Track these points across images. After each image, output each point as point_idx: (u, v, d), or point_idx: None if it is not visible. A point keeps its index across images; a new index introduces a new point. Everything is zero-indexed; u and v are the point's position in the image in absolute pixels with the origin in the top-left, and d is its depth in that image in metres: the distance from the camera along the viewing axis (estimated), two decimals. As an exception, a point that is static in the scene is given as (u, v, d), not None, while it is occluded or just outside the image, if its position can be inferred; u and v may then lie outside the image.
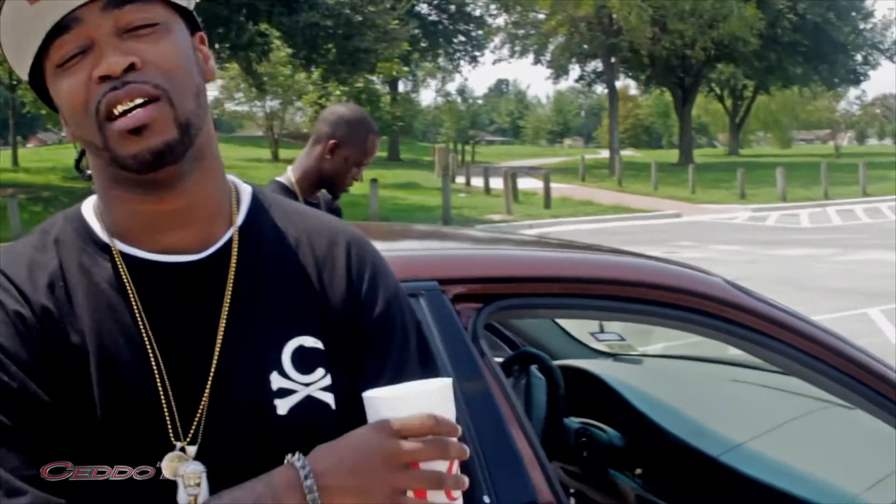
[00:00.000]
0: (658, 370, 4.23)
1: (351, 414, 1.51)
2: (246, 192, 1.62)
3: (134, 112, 1.37)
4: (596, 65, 65.24)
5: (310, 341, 1.53)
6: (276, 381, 1.49)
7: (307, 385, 1.50)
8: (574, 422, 3.51)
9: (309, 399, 1.50)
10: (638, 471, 3.46)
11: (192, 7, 1.53)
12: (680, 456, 3.41)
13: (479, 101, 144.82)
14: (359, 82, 38.12)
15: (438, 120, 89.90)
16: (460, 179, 40.34)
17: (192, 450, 1.44)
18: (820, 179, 35.88)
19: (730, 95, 77.78)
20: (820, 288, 15.23)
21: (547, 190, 30.77)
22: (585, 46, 58.16)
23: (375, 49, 32.88)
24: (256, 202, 1.62)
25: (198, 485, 1.44)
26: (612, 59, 55.92)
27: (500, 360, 3.85)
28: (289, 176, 4.34)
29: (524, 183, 35.26)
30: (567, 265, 2.74)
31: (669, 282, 2.65)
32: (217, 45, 29.46)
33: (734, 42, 51.97)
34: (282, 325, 1.52)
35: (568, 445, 3.43)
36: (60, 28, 1.40)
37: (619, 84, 66.95)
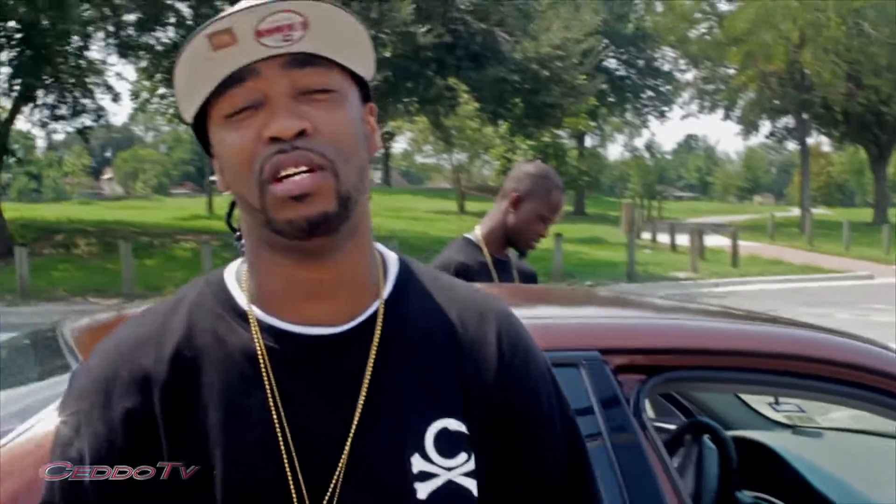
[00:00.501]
0: (839, 445, 4.05)
1: (493, 500, 1.49)
2: (393, 261, 1.59)
3: (299, 178, 1.36)
4: (787, 121, 63.92)
5: (454, 424, 1.47)
6: (418, 463, 1.43)
7: (449, 469, 1.45)
8: (748, 496, 3.40)
9: (450, 484, 1.44)
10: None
11: (370, 78, 1.51)
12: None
13: (668, 157, 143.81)
14: (545, 136, 38.28)
15: (625, 175, 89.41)
16: (646, 235, 39.97)
17: None
18: None
19: (928, 153, 75.29)
20: None
21: (734, 248, 30.19)
22: (776, 102, 57.12)
23: (562, 104, 32.93)
24: (404, 272, 1.57)
25: None
26: (804, 116, 54.76)
27: (672, 427, 3.76)
28: (476, 232, 4.34)
29: (711, 240, 34.68)
30: (736, 338, 2.63)
31: (846, 358, 2.53)
32: (406, 99, 29.98)
33: (933, 98, 50.38)
34: (426, 406, 1.47)
35: (740, 520, 3.31)
36: (236, 78, 1.39)
37: (811, 141, 65.36)
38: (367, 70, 1.49)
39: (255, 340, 1.44)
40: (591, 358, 2.23)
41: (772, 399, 4.14)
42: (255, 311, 1.47)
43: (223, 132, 1.42)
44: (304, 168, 1.36)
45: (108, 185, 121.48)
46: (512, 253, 4.42)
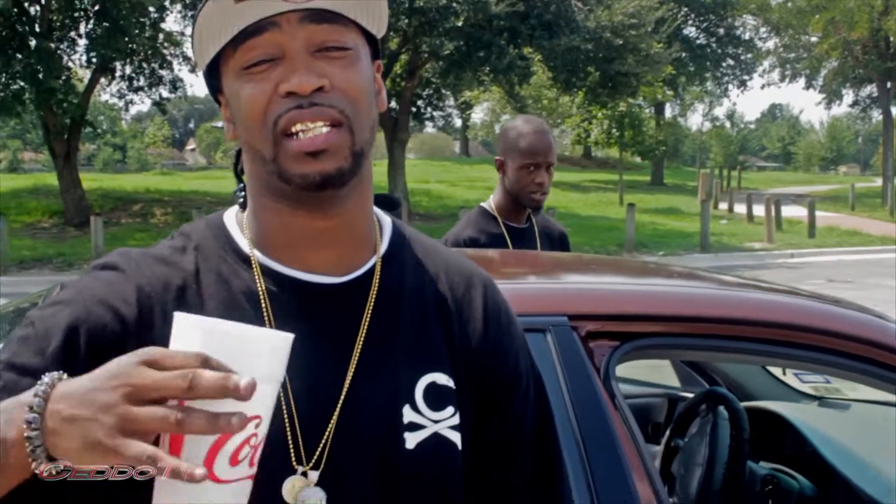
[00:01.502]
0: (863, 417, 3.95)
1: (476, 455, 1.54)
2: (387, 222, 1.63)
3: (315, 136, 1.39)
4: (871, 89, 62.73)
5: (442, 378, 1.53)
6: (408, 414, 1.49)
7: (436, 422, 1.49)
8: (763, 467, 3.33)
9: (436, 436, 1.49)
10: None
11: (380, 36, 1.54)
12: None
13: (751, 126, 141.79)
14: (621, 106, 37.91)
15: (707, 145, 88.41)
16: (724, 206, 39.60)
17: (314, 475, 1.42)
18: None
19: None
20: None
21: (811, 218, 29.78)
22: (860, 71, 56.09)
23: (637, 73, 32.59)
24: (397, 233, 1.61)
25: None
26: (889, 84, 53.71)
27: (690, 395, 3.70)
28: (490, 201, 4.26)
29: (790, 211, 34.27)
30: (716, 304, 2.55)
31: (830, 325, 2.44)
32: (478, 69, 29.79)
33: None
34: (417, 359, 1.52)
35: (753, 491, 3.25)
36: (256, 29, 1.41)
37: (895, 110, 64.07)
38: (379, 28, 1.52)
39: (258, 283, 1.48)
40: (559, 323, 2.18)
41: (798, 370, 4.05)
42: (258, 255, 1.51)
43: (238, 84, 1.45)
44: (320, 123, 1.39)
45: (191, 155, 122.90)
46: (541, 218, 4.32)
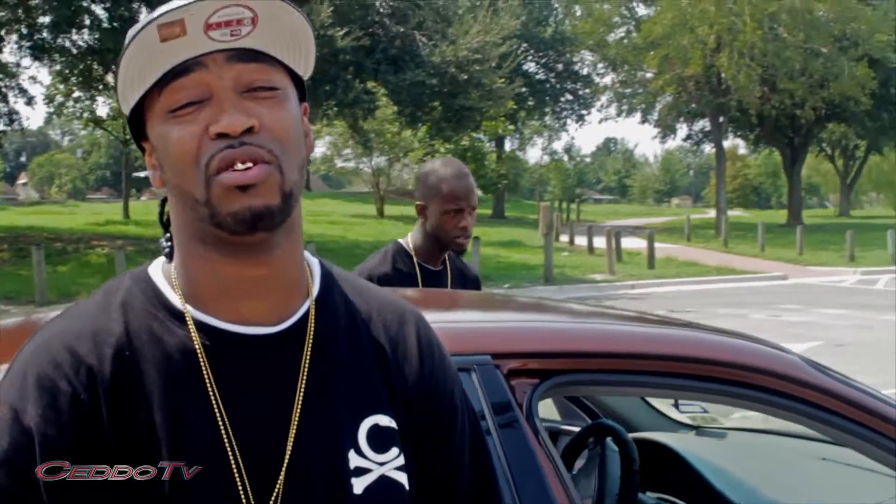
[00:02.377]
0: (741, 445, 4.07)
1: (423, 494, 1.54)
2: (315, 263, 1.60)
3: (245, 169, 1.36)
4: (704, 124, 64.46)
5: (384, 420, 1.52)
6: (353, 459, 1.47)
7: (382, 465, 1.49)
8: (651, 498, 3.40)
9: (383, 478, 1.48)
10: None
11: (307, 77, 1.53)
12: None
13: (587, 160, 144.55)
14: (464, 140, 38.30)
15: (545, 178, 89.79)
16: (564, 238, 40.20)
17: None
18: (934, 242, 34.82)
19: (841, 155, 76.50)
20: (932, 356, 14.69)
21: (651, 250, 30.44)
22: (693, 105, 57.55)
23: (480, 107, 32.95)
24: (325, 273, 1.59)
25: None
26: (720, 119, 55.31)
27: (576, 429, 3.76)
28: (408, 239, 4.24)
29: (629, 242, 34.97)
30: (628, 340, 2.62)
31: (737, 359, 2.53)
32: (324, 102, 29.78)
33: (845, 102, 50.88)
34: (358, 403, 1.51)
35: (643, 521, 3.32)
36: (182, 70, 1.38)
37: (727, 143, 66.08)
38: (306, 69, 1.51)
39: (193, 340, 1.44)
40: (482, 362, 2.21)
41: (675, 401, 4.15)
42: (190, 310, 1.46)
43: (166, 127, 1.41)
44: (250, 164, 1.36)
45: (23, 189, 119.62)
46: (455, 260, 4.31)
